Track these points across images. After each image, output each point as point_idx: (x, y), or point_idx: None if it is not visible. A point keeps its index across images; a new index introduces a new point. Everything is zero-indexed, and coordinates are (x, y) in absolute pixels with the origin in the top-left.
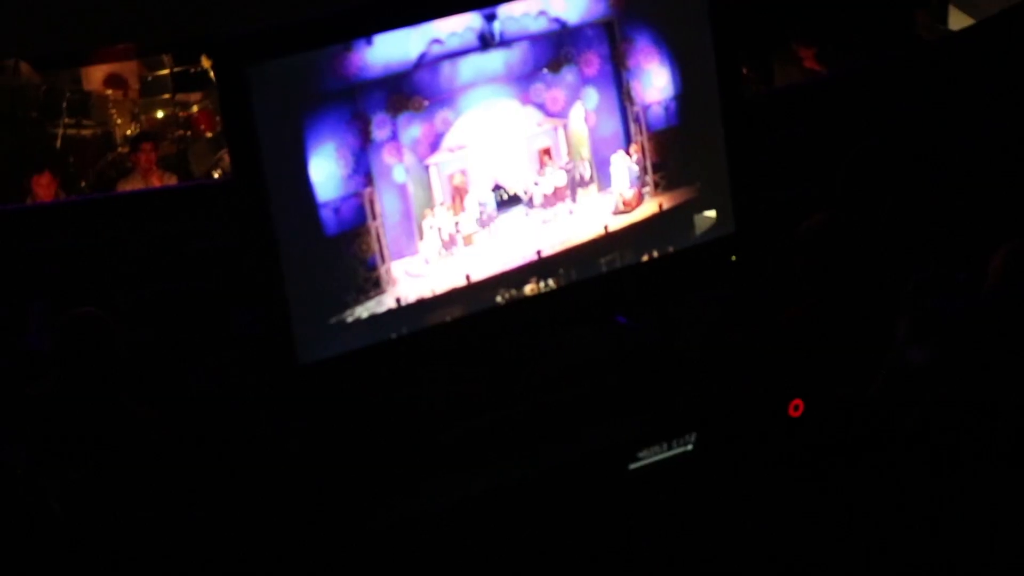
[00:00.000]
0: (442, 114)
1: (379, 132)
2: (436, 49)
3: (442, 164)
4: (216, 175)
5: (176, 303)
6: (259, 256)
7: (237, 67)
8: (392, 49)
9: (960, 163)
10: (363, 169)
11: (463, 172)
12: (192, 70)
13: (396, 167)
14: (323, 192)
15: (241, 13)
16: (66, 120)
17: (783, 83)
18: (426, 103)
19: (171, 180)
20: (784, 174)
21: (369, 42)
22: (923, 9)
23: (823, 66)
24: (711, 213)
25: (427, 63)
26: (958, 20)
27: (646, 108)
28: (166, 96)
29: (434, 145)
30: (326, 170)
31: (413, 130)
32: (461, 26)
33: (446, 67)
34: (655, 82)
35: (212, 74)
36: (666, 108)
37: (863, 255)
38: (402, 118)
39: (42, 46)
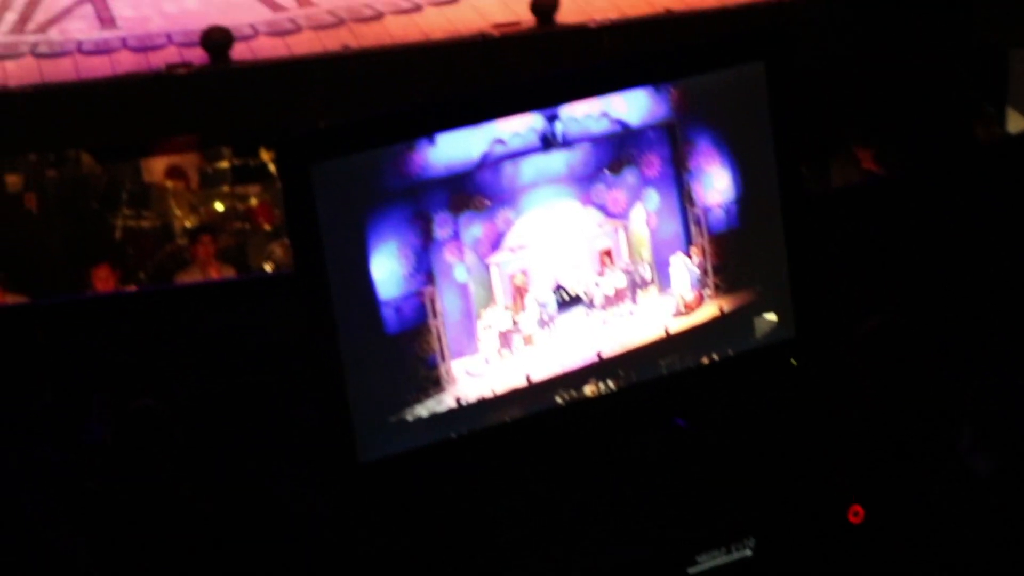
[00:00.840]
0: (504, 214)
1: (441, 231)
2: (498, 149)
3: (503, 264)
4: (274, 268)
5: (235, 396)
6: (320, 352)
7: (302, 165)
8: (455, 149)
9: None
10: (424, 268)
11: (524, 272)
12: (252, 163)
13: (457, 266)
14: (385, 290)
15: (302, 108)
16: (126, 211)
17: (841, 183)
18: (488, 203)
19: (229, 272)
20: (842, 276)
21: (432, 142)
22: (982, 111)
23: (881, 167)
24: (771, 316)
25: (489, 163)
26: (1017, 123)
27: (707, 210)
28: (225, 188)
29: (495, 245)
30: (388, 268)
31: (474, 229)
32: (523, 127)
33: (508, 167)
34: (716, 184)
35: (271, 167)
36: (726, 210)
37: (923, 358)
38: (464, 217)
39: (104, 137)
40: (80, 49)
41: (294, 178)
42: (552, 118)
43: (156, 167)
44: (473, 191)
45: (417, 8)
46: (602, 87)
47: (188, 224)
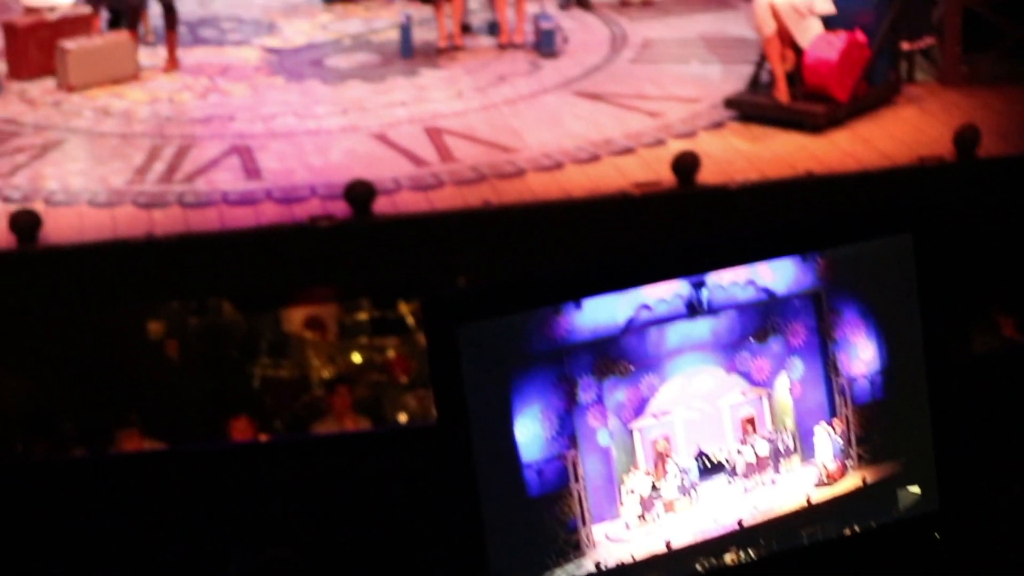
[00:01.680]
0: (648, 379)
1: (585, 395)
2: (644, 315)
3: (646, 429)
4: (409, 419)
5: (369, 548)
6: (459, 511)
7: (449, 325)
8: (601, 313)
9: None
10: (567, 431)
11: (666, 438)
12: (390, 315)
13: (600, 430)
14: (527, 452)
15: (442, 262)
16: (264, 360)
17: (981, 350)
18: (632, 368)
19: (365, 424)
20: (986, 446)
21: (579, 306)
22: None
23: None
24: (914, 488)
25: (635, 328)
26: None
27: (851, 380)
28: (363, 340)
29: (639, 410)
30: (531, 430)
31: (618, 394)
32: (669, 293)
33: (653, 333)
34: (861, 355)
35: (409, 320)
36: (871, 381)
37: None
38: (608, 382)
39: (246, 286)
40: (226, 199)
41: (440, 338)
42: (698, 285)
43: (295, 317)
44: (618, 356)
45: (559, 166)
46: (750, 256)
47: (325, 375)
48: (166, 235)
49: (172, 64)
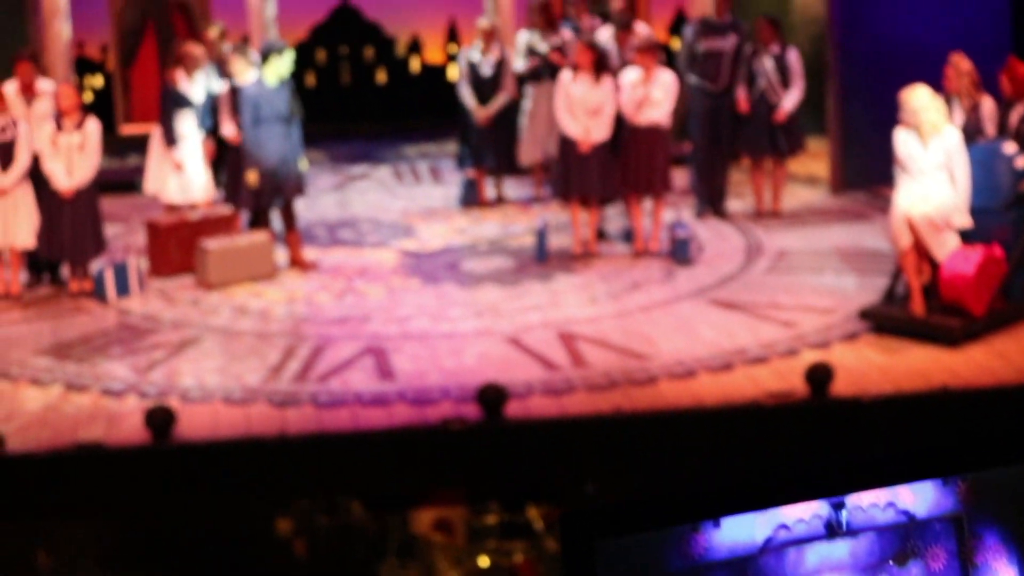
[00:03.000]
0: None
1: None
2: (782, 534)
3: None
4: None
5: None
6: None
7: (586, 539)
8: (739, 532)
9: None
10: None
11: None
12: (518, 519)
13: None
14: None
15: (572, 467)
16: (392, 561)
17: None
18: None
19: None
20: None
21: (717, 524)
22: None
23: None
24: None
25: (772, 548)
26: None
27: None
28: (491, 543)
29: None
30: None
31: None
32: (808, 513)
33: (791, 553)
34: None
35: (538, 525)
36: None
37: None
38: None
39: (376, 487)
40: (358, 400)
41: (577, 552)
42: (838, 506)
43: (424, 519)
44: (754, 574)
45: (691, 374)
46: (891, 478)
47: None
48: (299, 434)
49: (302, 262)
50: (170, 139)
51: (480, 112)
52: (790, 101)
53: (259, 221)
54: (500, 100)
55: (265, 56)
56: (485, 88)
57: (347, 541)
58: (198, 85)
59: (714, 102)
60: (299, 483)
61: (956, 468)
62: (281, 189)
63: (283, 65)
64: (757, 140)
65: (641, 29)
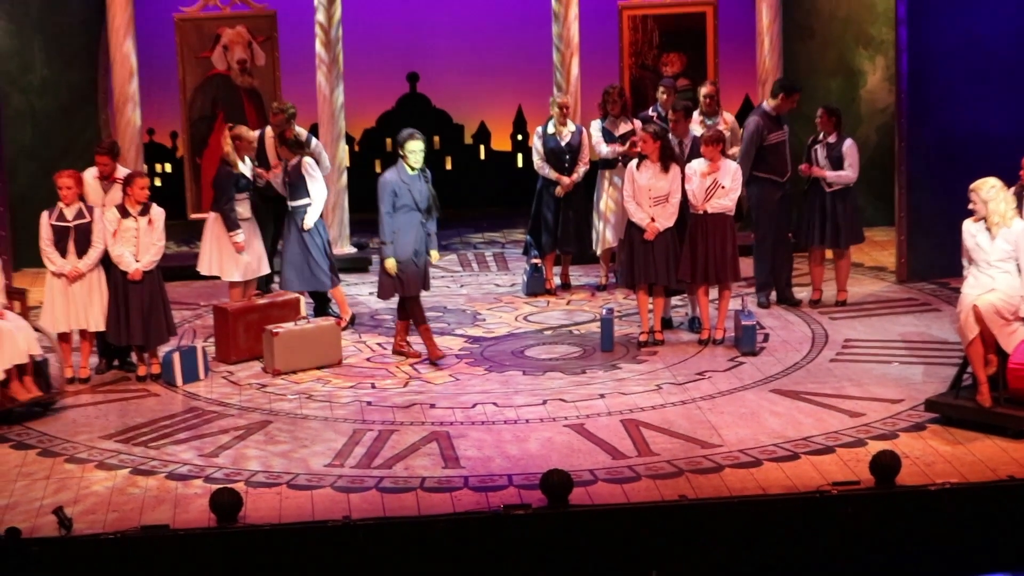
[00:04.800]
0: None
1: None
2: None
3: None
4: None
5: None
6: None
7: None
8: None
9: None
10: None
11: None
12: None
13: None
14: None
15: (637, 554)
16: None
17: None
18: None
19: None
20: None
21: None
22: None
23: None
24: None
25: None
26: None
27: None
28: None
29: None
30: None
31: None
32: None
33: None
34: None
35: None
36: None
37: None
38: None
39: (440, 572)
40: (423, 485)
41: None
42: None
43: None
44: None
45: (756, 462)
46: (962, 571)
47: None
48: (363, 519)
49: (437, 353)
50: (231, 224)
51: (563, 181)
52: (836, 175)
53: (327, 308)
54: (580, 171)
55: (400, 145)
56: (562, 160)
57: None
58: (247, 168)
59: (781, 191)
60: (363, 568)
61: None
62: (425, 278)
63: (412, 155)
64: (809, 229)
65: (727, 117)
